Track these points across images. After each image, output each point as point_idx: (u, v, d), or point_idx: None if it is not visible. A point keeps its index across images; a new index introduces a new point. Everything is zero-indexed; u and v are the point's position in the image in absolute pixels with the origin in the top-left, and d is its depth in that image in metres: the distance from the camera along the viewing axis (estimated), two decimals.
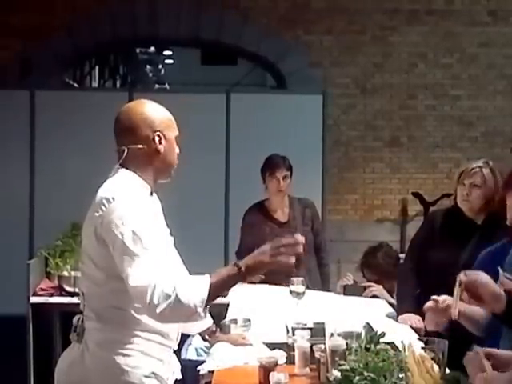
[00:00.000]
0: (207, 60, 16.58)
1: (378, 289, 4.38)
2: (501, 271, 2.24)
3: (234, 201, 7.10)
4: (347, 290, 4.43)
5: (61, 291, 4.62)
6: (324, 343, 2.53)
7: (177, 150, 2.49)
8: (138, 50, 15.63)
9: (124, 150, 2.40)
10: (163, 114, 2.48)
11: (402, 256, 4.30)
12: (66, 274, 4.63)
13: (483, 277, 2.14)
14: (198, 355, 3.43)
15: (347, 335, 2.50)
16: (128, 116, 2.44)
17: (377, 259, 4.61)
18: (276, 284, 4.21)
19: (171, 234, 2.51)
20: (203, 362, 2.99)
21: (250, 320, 3.31)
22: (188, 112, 6.23)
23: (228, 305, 3.80)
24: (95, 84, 14.10)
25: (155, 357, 2.39)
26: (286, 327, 3.05)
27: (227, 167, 7.37)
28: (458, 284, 2.15)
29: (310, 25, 8.12)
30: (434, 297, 2.55)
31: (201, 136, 6.95)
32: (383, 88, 8.23)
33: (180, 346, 2.62)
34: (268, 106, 7.43)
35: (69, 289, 4.54)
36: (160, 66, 18.15)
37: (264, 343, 3.00)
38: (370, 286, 4.42)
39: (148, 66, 17.84)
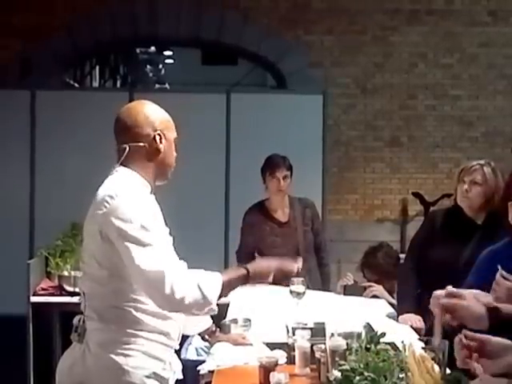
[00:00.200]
0: (207, 60, 16.56)
1: (378, 289, 4.38)
2: (500, 269, 2.23)
3: (234, 201, 7.10)
4: (347, 290, 4.42)
5: (61, 291, 4.63)
6: (324, 343, 2.53)
7: (175, 153, 2.51)
8: (138, 50, 15.62)
9: (125, 149, 2.42)
10: (163, 115, 2.51)
11: (403, 256, 4.30)
12: (66, 273, 4.63)
13: (465, 299, 2.12)
14: (198, 355, 3.44)
15: (347, 335, 2.50)
16: (129, 115, 2.46)
17: (377, 259, 4.61)
18: (276, 284, 4.20)
19: (170, 233, 2.52)
20: (203, 361, 3.00)
21: (250, 320, 3.31)
22: (188, 112, 6.25)
23: (228, 305, 3.79)
24: (95, 84, 14.10)
25: (157, 357, 2.39)
26: (287, 327, 3.05)
27: (227, 167, 7.37)
28: (439, 308, 2.14)
29: (310, 25, 8.12)
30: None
31: (201, 136, 6.95)
32: (383, 88, 8.23)
33: (180, 345, 2.62)
34: (268, 106, 7.43)
35: (69, 288, 4.54)
36: (160, 66, 18.13)
37: (264, 343, 3.00)
38: (370, 286, 4.42)
39: (148, 66, 17.84)
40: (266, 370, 2.58)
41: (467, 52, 8.26)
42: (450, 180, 7.31)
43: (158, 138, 2.43)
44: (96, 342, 2.35)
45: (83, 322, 2.40)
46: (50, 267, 4.81)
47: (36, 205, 7.27)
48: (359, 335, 2.50)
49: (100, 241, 2.31)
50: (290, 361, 2.79)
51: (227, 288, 2.33)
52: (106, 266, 2.33)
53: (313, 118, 7.45)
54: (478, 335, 1.85)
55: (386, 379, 2.17)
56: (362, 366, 2.21)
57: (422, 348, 2.25)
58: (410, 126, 8.27)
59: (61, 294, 4.62)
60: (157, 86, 17.92)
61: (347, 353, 2.39)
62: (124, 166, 2.42)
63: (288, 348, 2.85)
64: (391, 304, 4.08)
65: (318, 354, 2.64)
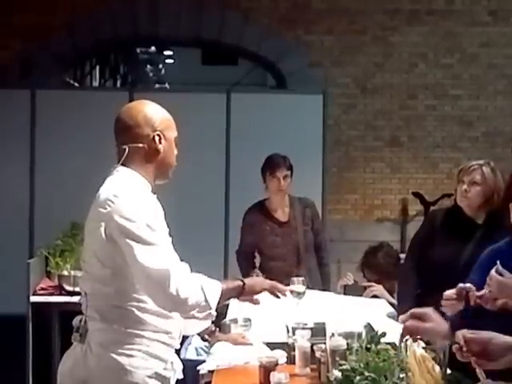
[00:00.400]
0: (208, 60, 16.54)
1: (378, 289, 4.38)
2: (498, 265, 2.23)
3: (234, 201, 7.09)
4: (347, 290, 4.42)
5: (61, 290, 4.62)
6: (324, 343, 2.53)
7: (175, 152, 2.51)
8: (138, 50, 15.60)
9: (125, 149, 2.42)
10: (163, 115, 2.50)
11: (403, 256, 4.30)
12: (66, 273, 4.63)
13: (429, 319, 2.14)
14: (197, 355, 3.44)
15: (348, 335, 2.50)
16: (129, 115, 2.46)
17: (377, 259, 4.61)
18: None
19: (170, 234, 2.51)
20: (203, 361, 2.99)
21: (250, 319, 3.31)
22: (188, 112, 6.23)
23: (228, 304, 3.79)
24: (96, 83, 14.08)
25: (159, 357, 2.39)
26: (287, 327, 3.05)
27: (227, 167, 7.37)
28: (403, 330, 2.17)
29: (310, 25, 8.12)
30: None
31: (201, 136, 6.95)
32: (383, 88, 8.23)
33: (180, 345, 2.61)
34: (268, 106, 7.42)
35: (69, 288, 4.54)
36: (160, 66, 18.11)
37: (264, 343, 3.00)
38: (370, 286, 4.41)
39: (148, 66, 17.82)
40: (266, 369, 2.58)
41: (467, 52, 8.25)
42: (450, 180, 7.32)
43: (157, 138, 2.43)
44: (98, 342, 2.35)
45: (85, 322, 2.39)
46: (50, 267, 4.81)
47: (36, 205, 7.26)
48: (359, 335, 2.50)
49: (103, 240, 2.31)
50: (290, 361, 2.79)
51: (224, 297, 2.35)
52: (108, 266, 2.32)
53: (313, 118, 7.44)
54: (478, 338, 1.84)
55: (386, 379, 2.17)
56: (362, 365, 2.21)
57: (423, 348, 2.25)
58: (410, 126, 8.27)
59: (61, 294, 4.62)
60: (157, 85, 17.90)
61: (347, 353, 2.39)
62: (124, 165, 2.42)
63: (288, 348, 2.85)
64: (391, 304, 4.08)
65: (318, 354, 2.64)
